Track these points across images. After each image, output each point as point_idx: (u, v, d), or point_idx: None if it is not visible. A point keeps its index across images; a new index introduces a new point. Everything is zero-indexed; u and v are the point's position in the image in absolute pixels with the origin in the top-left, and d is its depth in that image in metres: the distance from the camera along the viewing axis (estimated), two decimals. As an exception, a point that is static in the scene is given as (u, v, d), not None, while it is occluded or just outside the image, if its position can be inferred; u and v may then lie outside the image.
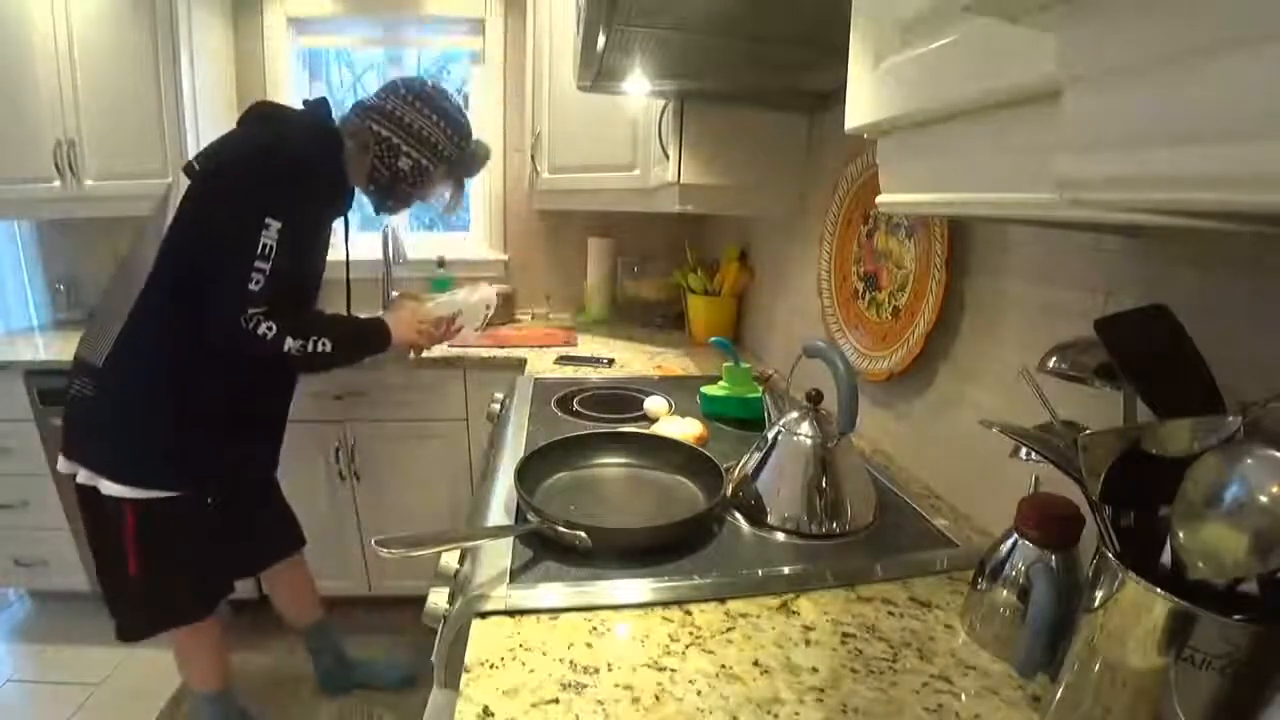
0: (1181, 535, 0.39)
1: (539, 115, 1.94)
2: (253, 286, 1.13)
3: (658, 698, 0.54)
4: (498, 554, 0.73)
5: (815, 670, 0.59)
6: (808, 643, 0.62)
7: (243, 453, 1.37)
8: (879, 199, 0.56)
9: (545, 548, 0.75)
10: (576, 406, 1.32)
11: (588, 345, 1.96)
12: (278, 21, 2.19)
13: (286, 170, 1.17)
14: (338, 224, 1.42)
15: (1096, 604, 0.48)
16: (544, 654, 0.59)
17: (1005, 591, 0.61)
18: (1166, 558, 0.47)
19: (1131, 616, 0.45)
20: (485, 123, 2.25)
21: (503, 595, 0.66)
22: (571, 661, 0.58)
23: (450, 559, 0.77)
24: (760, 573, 0.72)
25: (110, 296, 1.31)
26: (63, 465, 1.26)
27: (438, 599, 0.71)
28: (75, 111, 1.91)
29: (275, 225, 1.13)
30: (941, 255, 0.93)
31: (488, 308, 1.64)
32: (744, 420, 1.22)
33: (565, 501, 0.87)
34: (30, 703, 1.72)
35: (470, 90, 2.38)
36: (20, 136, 1.94)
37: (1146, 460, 0.44)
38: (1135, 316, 0.50)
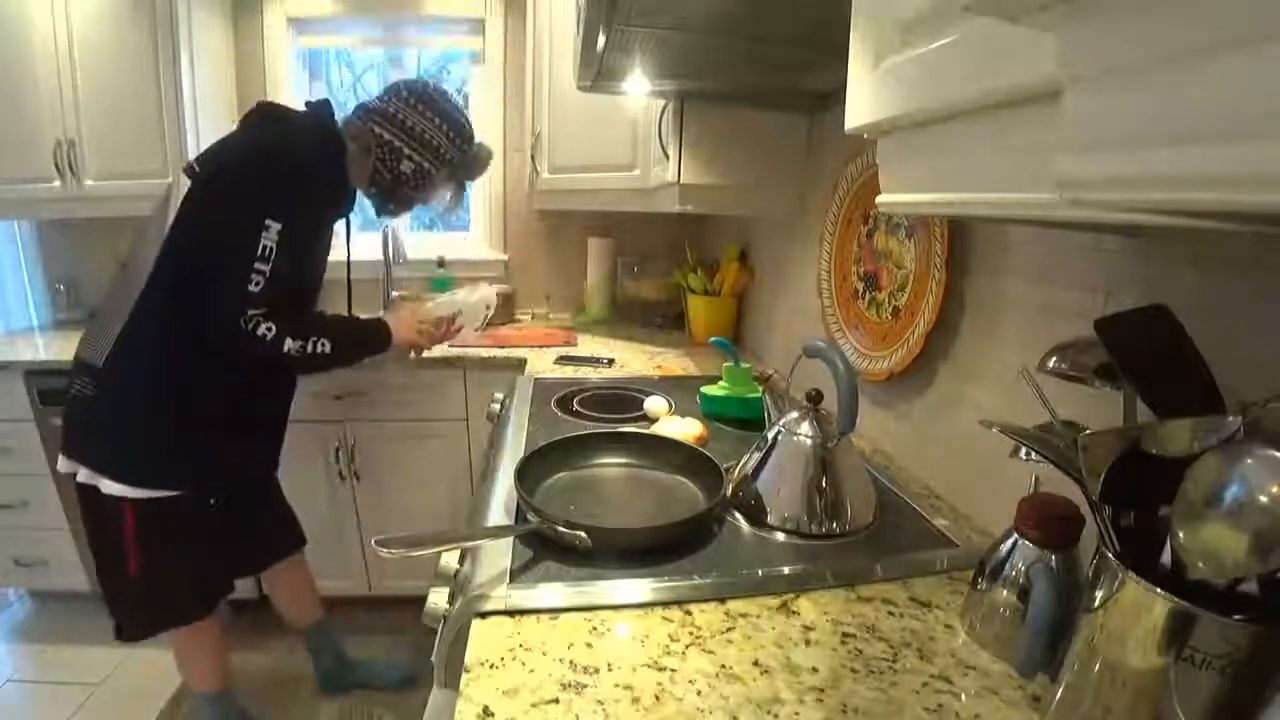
0: (1181, 535, 0.39)
1: (539, 115, 1.94)
2: (253, 287, 1.13)
3: (658, 698, 0.54)
4: (498, 554, 0.73)
5: (815, 670, 0.59)
6: (808, 643, 0.62)
7: (243, 453, 1.37)
8: (879, 199, 0.56)
9: (545, 548, 0.75)
10: (576, 406, 1.32)
11: (588, 345, 1.96)
12: (278, 21, 2.19)
13: (287, 172, 1.17)
14: (339, 225, 1.42)
15: (1096, 604, 0.48)
16: (544, 654, 0.59)
17: (1005, 591, 0.61)
18: (1166, 558, 0.47)
19: (1131, 616, 0.45)
20: (485, 123, 2.25)
21: (503, 595, 0.66)
22: (571, 661, 0.58)
23: (450, 559, 0.77)
24: (760, 573, 0.72)
25: (111, 296, 1.31)
26: (63, 464, 1.26)
27: (438, 599, 0.71)
28: (75, 111, 1.91)
29: (275, 226, 1.13)
30: (941, 255, 0.93)
31: (488, 308, 1.64)
32: (744, 420, 1.22)
33: (565, 501, 0.87)
34: (30, 703, 1.72)
35: (470, 90, 2.38)
36: (20, 136, 1.95)
37: (1146, 460, 0.44)
38: (1135, 316, 0.50)
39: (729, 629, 0.64)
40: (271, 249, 1.13)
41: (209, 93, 2.00)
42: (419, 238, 2.47)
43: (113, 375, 1.21)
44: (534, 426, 1.19)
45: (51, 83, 1.90)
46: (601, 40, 0.97)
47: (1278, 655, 0.40)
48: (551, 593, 0.67)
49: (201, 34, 1.95)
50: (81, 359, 1.26)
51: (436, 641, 0.68)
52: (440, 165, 1.34)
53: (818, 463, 0.83)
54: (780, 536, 0.81)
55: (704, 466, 0.91)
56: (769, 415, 0.93)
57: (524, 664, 0.58)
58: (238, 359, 1.20)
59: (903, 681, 0.58)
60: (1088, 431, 0.48)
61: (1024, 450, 0.59)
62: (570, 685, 0.55)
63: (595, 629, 0.63)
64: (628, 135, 1.68)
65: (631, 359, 1.80)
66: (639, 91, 1.32)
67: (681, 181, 1.42)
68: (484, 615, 0.64)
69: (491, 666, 0.57)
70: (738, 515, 0.85)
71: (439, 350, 1.70)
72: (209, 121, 1.96)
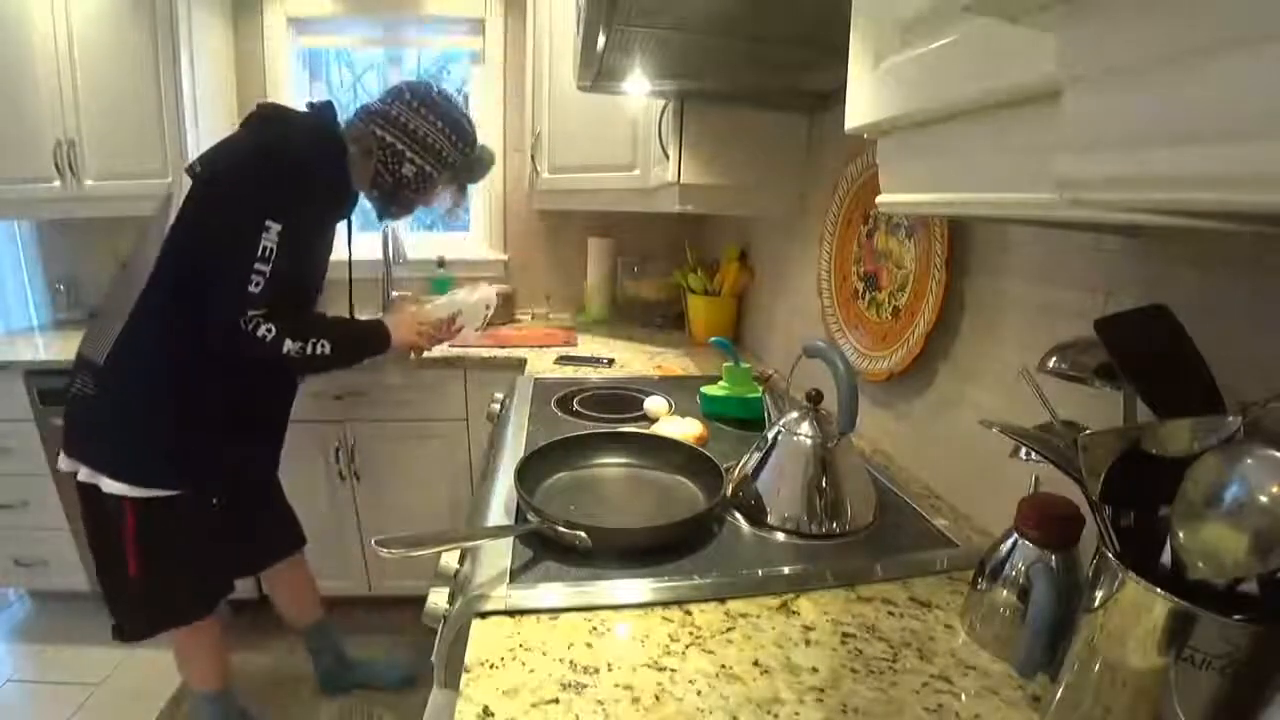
0: (1181, 535, 0.39)
1: (539, 115, 1.94)
2: (252, 288, 1.13)
3: (658, 698, 0.54)
4: (498, 554, 0.73)
5: (815, 670, 0.59)
6: (808, 643, 0.62)
7: (243, 454, 1.37)
8: (879, 199, 0.56)
9: (545, 548, 0.75)
10: (576, 406, 1.32)
11: (588, 345, 1.96)
12: (278, 21, 2.19)
13: (288, 173, 1.17)
14: (341, 226, 1.42)
15: (1096, 604, 0.47)
16: (544, 654, 0.59)
17: (1005, 591, 0.61)
18: (1166, 558, 0.47)
19: (1131, 616, 0.45)
20: (485, 123, 2.25)
21: (503, 595, 0.66)
22: (571, 661, 0.58)
23: (450, 559, 0.77)
24: (760, 573, 0.72)
25: (112, 296, 1.31)
26: (63, 463, 1.26)
27: (438, 599, 0.71)
28: (75, 111, 1.91)
29: (275, 228, 1.13)
30: (941, 255, 0.93)
31: (488, 308, 1.64)
32: (744, 420, 1.22)
33: (565, 501, 0.87)
34: (30, 703, 1.72)
35: (470, 90, 2.38)
36: (20, 136, 1.95)
37: (1146, 460, 0.44)
38: (1135, 316, 0.50)
39: (729, 629, 0.64)
40: (271, 250, 1.13)
41: (209, 93, 2.00)
42: (419, 237, 2.47)
43: (113, 374, 1.21)
44: (534, 426, 1.19)
45: (51, 83, 1.90)
46: (601, 40, 0.97)
47: (1278, 655, 0.40)
48: (551, 593, 0.67)
49: (201, 34, 1.95)
50: (83, 357, 1.26)
51: (436, 641, 0.68)
52: (442, 168, 1.34)
53: (818, 463, 0.83)
54: (780, 536, 0.81)
55: (704, 466, 0.91)
56: (769, 415, 0.93)
57: (524, 664, 0.58)
58: (238, 360, 1.20)
59: (903, 681, 0.58)
60: (1088, 431, 0.48)
61: (1024, 450, 0.59)
62: (570, 685, 0.55)
63: (595, 629, 0.63)
64: (628, 135, 1.68)
65: (631, 359, 1.80)
66: (639, 91, 1.32)
67: (681, 181, 1.42)
68: (484, 615, 0.64)
69: (491, 666, 0.57)
70: (738, 515, 0.85)
71: (439, 350, 1.70)
72: (209, 121, 1.96)
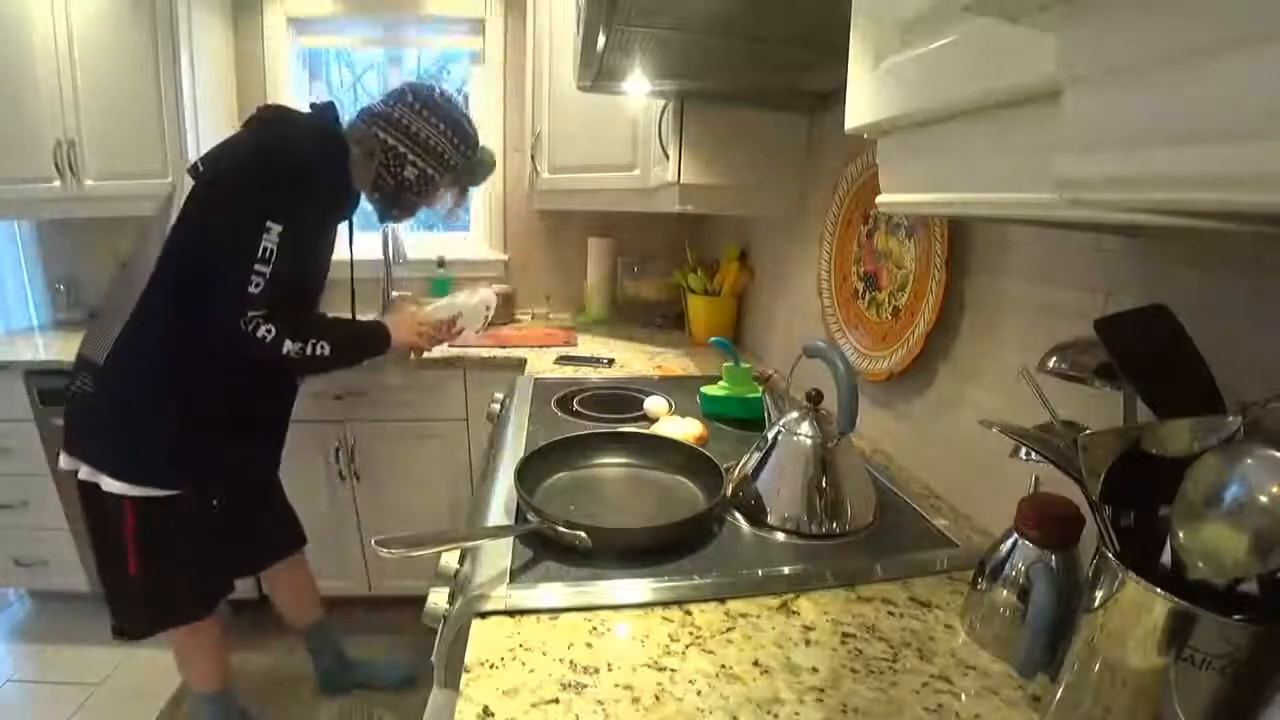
0: (1181, 535, 0.39)
1: (539, 115, 1.94)
2: (253, 289, 1.13)
3: (658, 698, 0.54)
4: (498, 554, 0.73)
5: (815, 670, 0.59)
6: (808, 643, 0.62)
7: (243, 455, 1.37)
8: (879, 199, 0.56)
9: (545, 548, 0.75)
10: (576, 406, 1.32)
11: (588, 345, 1.96)
12: (278, 21, 2.19)
13: (287, 173, 1.17)
14: (342, 227, 1.42)
15: (1096, 604, 0.48)
16: (544, 654, 0.59)
17: (1005, 591, 0.61)
18: (1166, 558, 0.47)
19: (1131, 616, 0.45)
20: (485, 123, 2.24)
21: (503, 595, 0.66)
22: (571, 661, 0.58)
23: (450, 559, 0.77)
24: (760, 573, 0.72)
25: (112, 296, 1.31)
26: (64, 461, 1.26)
27: (438, 599, 0.71)
28: (75, 111, 1.91)
29: (276, 229, 1.13)
30: (941, 255, 0.93)
31: (488, 310, 1.64)
32: (744, 420, 1.22)
33: (565, 501, 0.87)
34: (30, 703, 1.72)
35: (470, 90, 2.38)
36: (20, 136, 1.94)
37: (1146, 460, 0.44)
38: (1135, 316, 0.50)
39: (729, 629, 0.64)
40: (272, 251, 1.13)
41: (209, 93, 2.00)
42: (419, 238, 2.47)
43: (114, 374, 1.21)
44: (534, 426, 1.19)
45: (51, 83, 1.90)
46: (601, 40, 0.97)
47: (1278, 655, 0.40)
48: (551, 593, 0.67)
49: (201, 34, 1.95)
50: (83, 356, 1.26)
51: (436, 641, 0.68)
52: (444, 171, 1.34)
53: (818, 463, 0.83)
54: (780, 536, 0.81)
55: (704, 466, 0.91)
56: (769, 415, 0.93)
57: (524, 664, 0.58)
58: (239, 361, 1.20)
59: (903, 681, 0.58)
60: (1088, 431, 0.48)
61: (1024, 450, 0.59)
62: (570, 685, 0.55)
63: (595, 629, 0.63)
64: (628, 135, 1.68)
65: (631, 359, 1.80)
66: (639, 91, 1.32)
67: (681, 181, 1.42)
68: (484, 615, 0.64)
69: (491, 666, 0.57)
70: (738, 515, 0.85)
71: (439, 350, 1.70)
72: (209, 121, 1.96)
